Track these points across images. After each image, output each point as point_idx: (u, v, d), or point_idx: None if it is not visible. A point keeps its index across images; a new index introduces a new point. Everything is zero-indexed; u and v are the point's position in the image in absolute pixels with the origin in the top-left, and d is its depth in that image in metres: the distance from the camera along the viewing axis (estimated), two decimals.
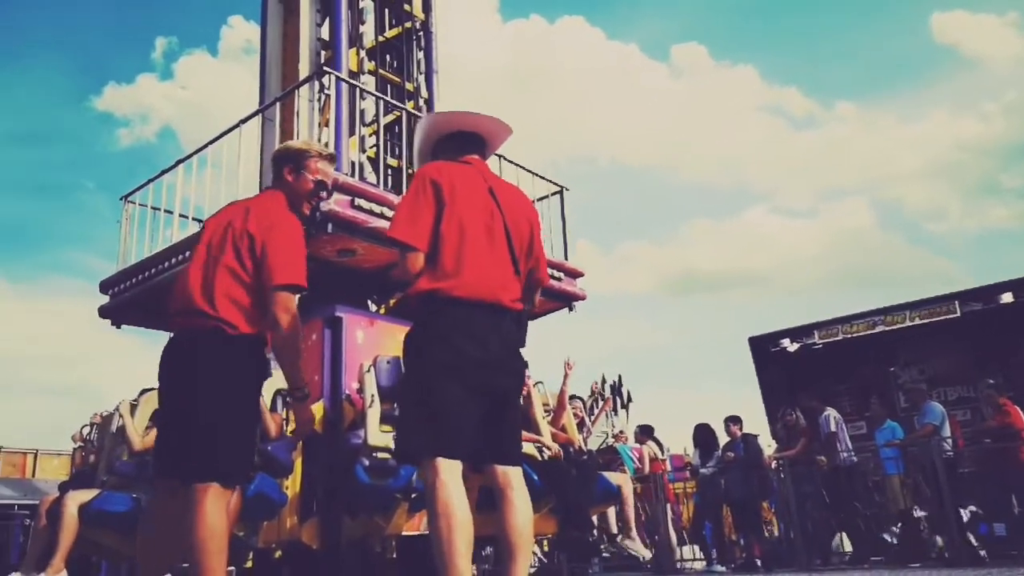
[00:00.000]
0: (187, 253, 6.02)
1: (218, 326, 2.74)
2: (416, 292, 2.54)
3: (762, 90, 75.30)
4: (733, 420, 9.00)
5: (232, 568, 4.68)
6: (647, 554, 6.23)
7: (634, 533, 6.15)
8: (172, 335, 2.88)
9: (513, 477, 2.58)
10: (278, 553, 5.40)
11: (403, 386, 2.77)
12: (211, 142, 6.18)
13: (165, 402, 2.82)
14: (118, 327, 6.85)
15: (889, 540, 8.35)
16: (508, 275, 2.61)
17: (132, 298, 6.48)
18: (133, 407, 5.76)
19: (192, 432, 2.67)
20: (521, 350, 2.71)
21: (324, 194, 3.10)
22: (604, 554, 8.63)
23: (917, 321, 11.50)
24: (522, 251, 2.71)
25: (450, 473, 2.41)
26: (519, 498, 2.55)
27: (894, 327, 11.67)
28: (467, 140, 2.81)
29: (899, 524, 8.25)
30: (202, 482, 2.61)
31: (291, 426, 5.04)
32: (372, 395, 5.01)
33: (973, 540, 7.27)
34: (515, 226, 2.68)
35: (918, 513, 7.93)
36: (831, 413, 8.58)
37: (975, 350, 11.23)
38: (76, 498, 4.85)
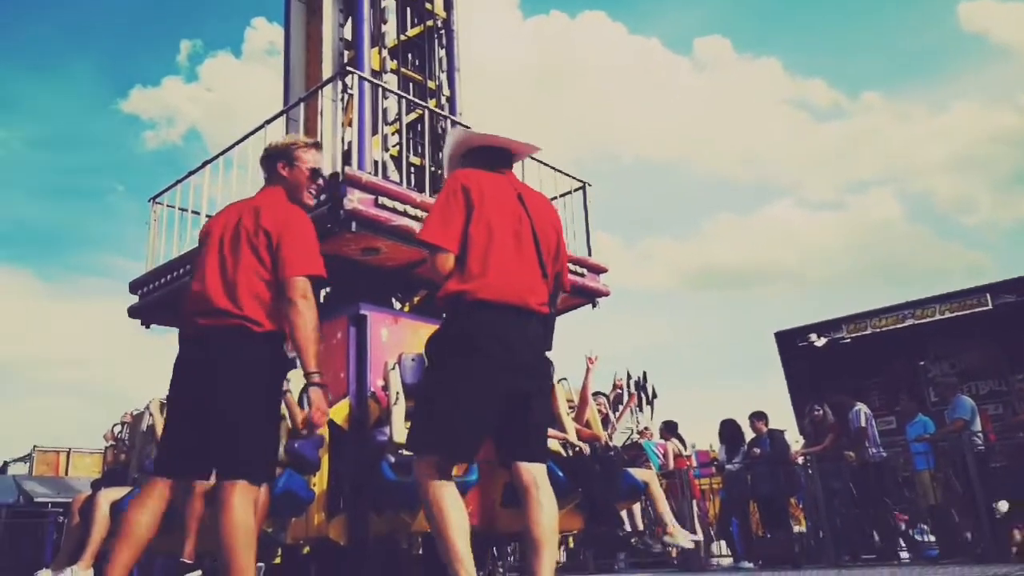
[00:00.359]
0: None
1: (243, 324, 2.78)
2: (444, 294, 2.62)
3: (786, 82, 74.41)
4: (758, 416, 8.94)
5: (261, 564, 4.74)
6: (691, 541, 6.06)
7: (672, 527, 6.06)
8: (190, 336, 2.91)
9: (538, 475, 2.62)
10: (306, 549, 5.45)
11: (424, 382, 2.87)
12: (237, 143, 6.24)
13: (185, 402, 2.86)
14: (147, 327, 6.96)
15: (920, 538, 8.26)
16: (536, 278, 2.70)
17: (161, 298, 6.57)
18: (163, 405, 5.84)
19: (221, 430, 2.72)
20: (547, 352, 2.79)
21: (321, 181, 3.18)
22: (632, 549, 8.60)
23: (948, 314, 11.35)
24: (549, 255, 2.80)
25: (442, 473, 2.54)
26: (544, 495, 2.59)
27: (924, 320, 11.53)
28: (497, 154, 2.91)
29: (930, 520, 8.15)
30: (230, 479, 2.66)
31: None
32: (397, 392, 5.03)
33: (1019, 536, 7.14)
34: (543, 232, 2.77)
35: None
36: (861, 408, 8.48)
37: (1007, 343, 11.05)
38: (108, 496, 4.94)
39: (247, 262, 2.84)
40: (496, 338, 2.55)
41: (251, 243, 2.85)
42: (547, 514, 2.56)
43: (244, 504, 2.65)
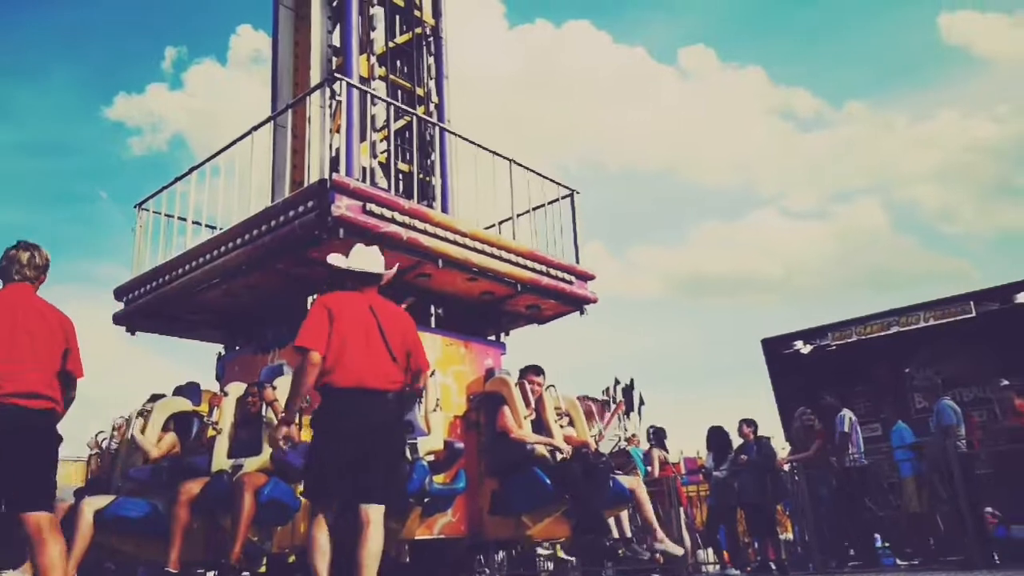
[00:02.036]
0: (200, 260, 6.06)
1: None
2: (316, 384, 3.62)
3: (770, 91, 74.98)
4: (748, 423, 8.95)
5: (246, 573, 4.70)
6: (679, 551, 6.15)
7: (661, 534, 6.10)
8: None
9: (372, 513, 3.52)
10: (292, 558, 5.42)
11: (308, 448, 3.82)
12: (223, 149, 6.22)
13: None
14: (132, 334, 6.91)
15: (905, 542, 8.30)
16: (385, 365, 3.69)
17: (146, 304, 6.53)
18: (145, 414, 5.80)
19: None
20: (398, 415, 3.82)
21: None
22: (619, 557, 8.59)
23: (932, 322, 11.41)
24: (399, 347, 3.76)
25: (316, 511, 3.59)
26: (375, 530, 3.50)
27: (909, 328, 11.59)
28: (360, 277, 3.88)
29: (916, 526, 8.19)
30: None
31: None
32: None
33: None
34: (390, 331, 3.75)
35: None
36: (847, 414, 8.52)
37: (991, 350, 11.14)
38: (92, 504, 4.89)
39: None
40: (343, 414, 3.57)
41: None
42: (373, 546, 3.47)
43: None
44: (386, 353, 3.70)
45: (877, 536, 8.67)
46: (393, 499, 3.72)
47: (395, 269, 4.04)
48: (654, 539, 6.07)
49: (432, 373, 5.37)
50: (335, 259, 3.90)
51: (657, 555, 5.97)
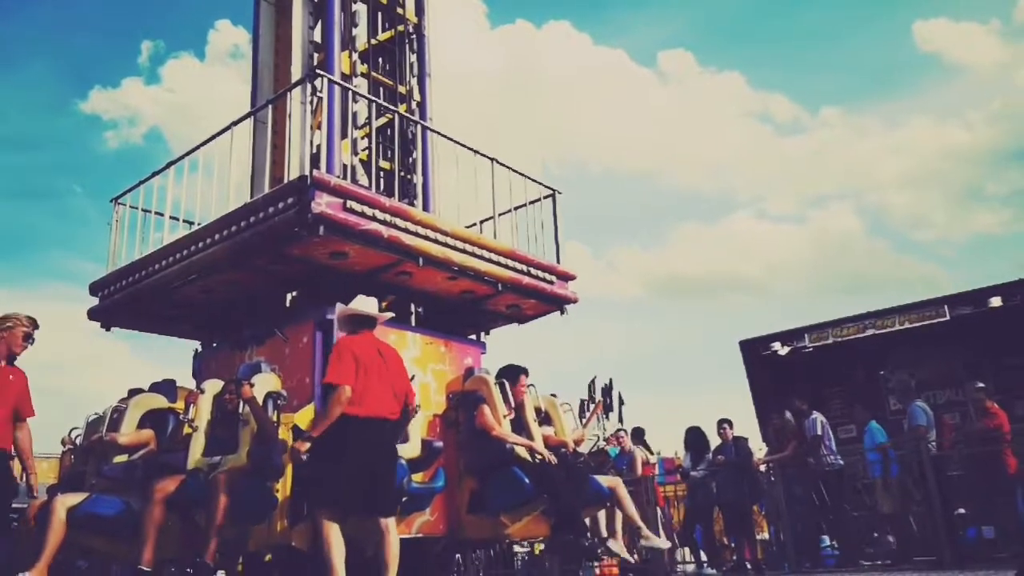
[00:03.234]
0: (177, 256, 6.00)
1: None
2: (344, 414, 4.32)
3: (749, 95, 75.56)
4: (727, 423, 9.01)
5: (222, 572, 4.67)
6: (666, 545, 6.25)
7: (646, 531, 6.14)
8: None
9: (390, 523, 4.42)
10: (268, 556, 5.38)
11: (318, 461, 4.37)
12: (202, 144, 6.15)
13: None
14: (108, 329, 6.82)
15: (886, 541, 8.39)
16: (390, 401, 4.54)
17: (122, 300, 6.45)
18: (119, 410, 5.74)
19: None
20: (396, 440, 4.79)
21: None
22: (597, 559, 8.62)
23: (907, 325, 11.55)
24: (399, 387, 4.64)
25: (332, 517, 4.26)
26: (393, 537, 4.39)
27: (884, 331, 11.72)
28: (362, 320, 4.77)
29: (888, 527, 8.29)
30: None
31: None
32: None
33: None
34: (393, 371, 4.63)
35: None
36: (818, 417, 8.62)
37: (965, 354, 11.31)
38: (65, 501, 4.82)
39: None
40: (364, 440, 4.34)
41: None
42: (395, 549, 4.34)
43: None
44: (391, 389, 4.55)
45: (824, 537, 8.75)
46: (395, 509, 4.64)
47: (390, 315, 5.05)
48: (639, 536, 6.10)
49: (412, 377, 5.39)
50: (345, 308, 4.78)
51: (647, 551, 6.05)
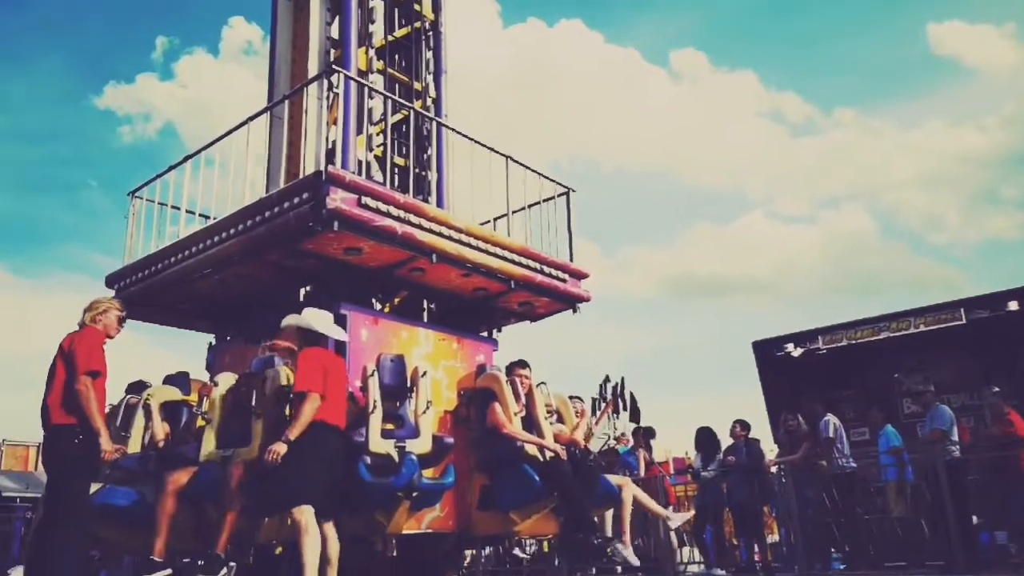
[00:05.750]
0: (192, 249, 6.04)
1: None
2: (314, 420, 4.53)
3: (762, 95, 75.19)
4: (741, 424, 8.97)
5: (233, 564, 4.70)
6: (635, 562, 6.21)
7: (627, 538, 6.12)
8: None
9: (331, 529, 4.50)
10: (279, 549, 5.42)
11: (298, 459, 4.47)
12: (219, 139, 6.19)
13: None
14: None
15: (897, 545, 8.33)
16: (344, 411, 4.80)
17: (138, 293, 6.50)
18: (140, 402, 5.78)
19: None
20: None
21: None
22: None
23: (922, 328, 11.46)
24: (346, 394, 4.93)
25: (311, 512, 4.31)
26: (334, 542, 4.49)
27: (899, 333, 11.63)
28: (318, 337, 4.93)
29: (900, 530, 8.23)
30: None
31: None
32: (375, 401, 5.01)
33: None
34: (343, 386, 4.88)
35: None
36: (831, 419, 8.56)
37: (980, 357, 11.19)
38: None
39: None
40: (331, 446, 4.60)
41: None
42: (333, 554, 4.44)
43: None
44: (343, 401, 4.85)
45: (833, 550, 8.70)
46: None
47: (344, 337, 5.26)
48: (619, 540, 6.06)
49: (424, 374, 5.42)
50: (312, 322, 4.94)
51: (616, 558, 6.02)
